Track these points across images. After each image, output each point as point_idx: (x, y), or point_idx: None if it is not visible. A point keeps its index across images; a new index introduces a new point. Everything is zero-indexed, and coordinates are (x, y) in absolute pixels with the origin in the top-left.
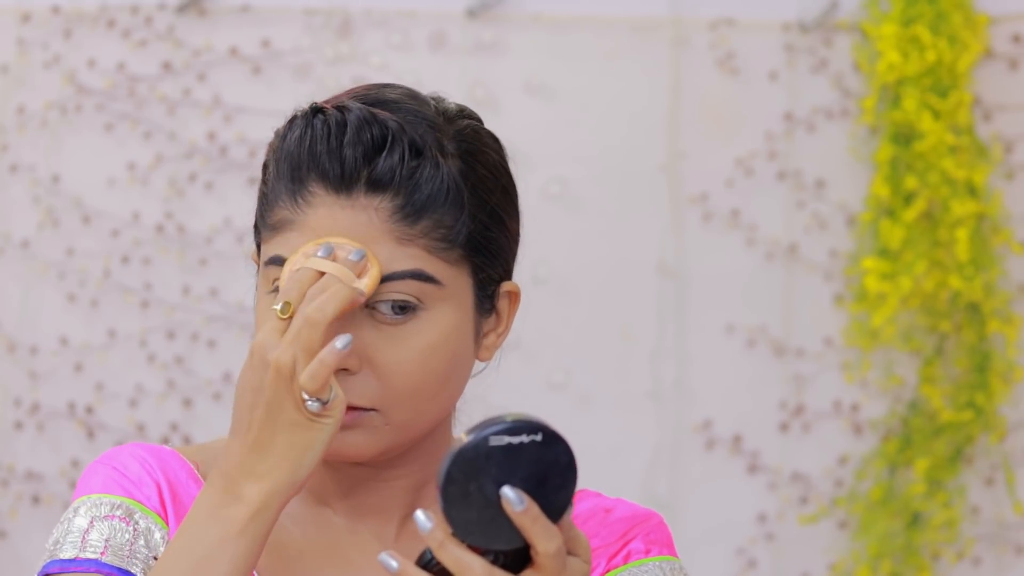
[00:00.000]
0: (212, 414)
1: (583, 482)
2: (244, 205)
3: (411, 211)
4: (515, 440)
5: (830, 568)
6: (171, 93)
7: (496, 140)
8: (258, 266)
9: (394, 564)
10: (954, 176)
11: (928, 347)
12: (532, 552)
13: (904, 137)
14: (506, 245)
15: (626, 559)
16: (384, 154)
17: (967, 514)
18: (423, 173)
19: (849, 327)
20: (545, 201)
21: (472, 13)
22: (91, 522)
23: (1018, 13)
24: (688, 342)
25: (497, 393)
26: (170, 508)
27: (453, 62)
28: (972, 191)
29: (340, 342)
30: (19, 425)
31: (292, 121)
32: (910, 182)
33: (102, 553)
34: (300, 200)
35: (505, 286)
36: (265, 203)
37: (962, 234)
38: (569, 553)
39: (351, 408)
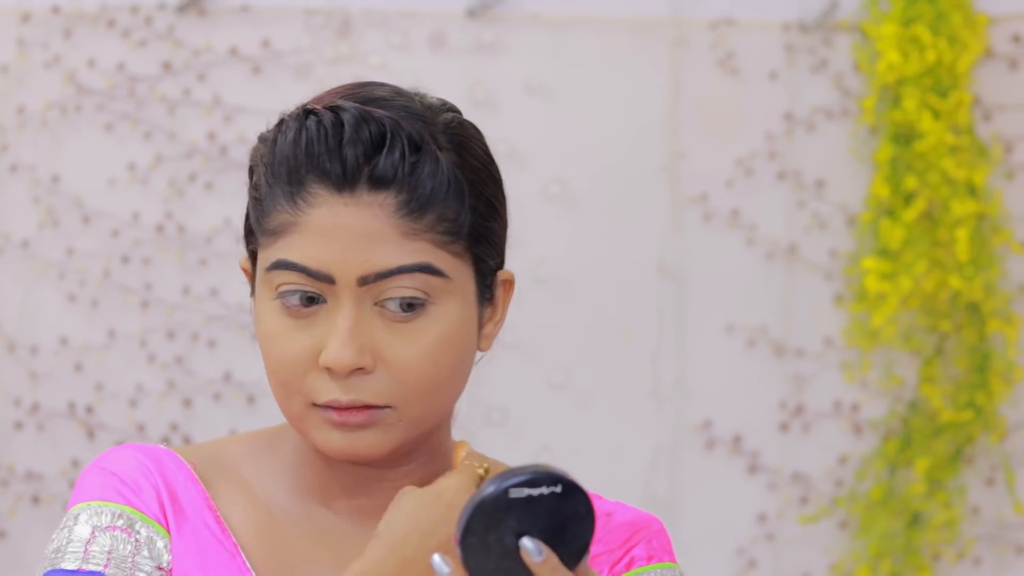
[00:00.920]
0: (212, 414)
1: (585, 482)
2: (244, 205)
3: (416, 206)
4: (535, 492)
5: (830, 568)
6: (171, 93)
7: (478, 131)
8: (251, 274)
9: (447, 569)
10: (954, 176)
11: (928, 347)
12: None
13: (904, 137)
14: (501, 233)
15: (628, 566)
16: (385, 151)
17: (967, 514)
18: (424, 168)
19: (849, 327)
20: (545, 201)
21: (472, 13)
22: (92, 532)
23: (1018, 13)
24: (688, 342)
25: (497, 393)
26: (169, 512)
27: (453, 62)
28: (972, 191)
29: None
30: (19, 425)
31: (281, 124)
32: (910, 182)
33: (105, 566)
34: (300, 202)
35: (501, 275)
36: (260, 209)
37: (962, 234)
38: None
39: (367, 407)
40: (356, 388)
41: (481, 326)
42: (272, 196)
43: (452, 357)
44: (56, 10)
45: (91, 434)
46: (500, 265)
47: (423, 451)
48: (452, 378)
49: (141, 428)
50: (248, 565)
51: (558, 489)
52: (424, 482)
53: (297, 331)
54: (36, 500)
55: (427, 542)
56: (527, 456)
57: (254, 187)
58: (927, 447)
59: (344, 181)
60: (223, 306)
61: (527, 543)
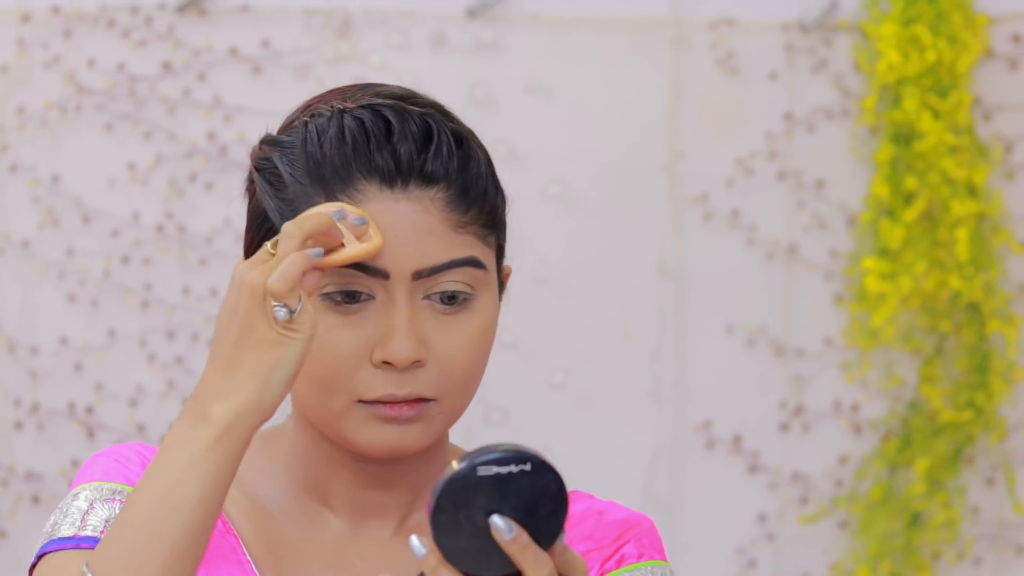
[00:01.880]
0: None
1: (584, 482)
2: (244, 205)
3: (462, 199)
4: (503, 470)
5: (830, 568)
6: (171, 93)
7: None
8: None
9: (424, 550)
10: (954, 176)
11: (928, 347)
12: None
13: (904, 137)
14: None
15: (619, 563)
16: (433, 146)
17: (967, 514)
18: (469, 161)
19: (849, 327)
20: (545, 201)
21: (472, 13)
22: (91, 504)
23: (1018, 13)
24: (688, 342)
25: (497, 393)
26: None
27: (453, 62)
28: (972, 191)
29: (312, 251)
30: (19, 425)
31: (307, 125)
32: (910, 182)
33: (101, 532)
34: (347, 199)
35: (504, 267)
36: (291, 211)
37: (962, 234)
38: None
39: (419, 400)
40: (412, 381)
41: None
42: (308, 198)
43: (488, 348)
44: (56, 10)
45: (91, 434)
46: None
47: (426, 450)
48: (483, 370)
49: (141, 428)
50: (248, 557)
51: (527, 467)
52: (422, 482)
53: (344, 328)
54: (36, 500)
55: (228, 337)
56: None
57: (276, 190)
58: (927, 447)
59: (397, 176)
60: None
61: (497, 521)
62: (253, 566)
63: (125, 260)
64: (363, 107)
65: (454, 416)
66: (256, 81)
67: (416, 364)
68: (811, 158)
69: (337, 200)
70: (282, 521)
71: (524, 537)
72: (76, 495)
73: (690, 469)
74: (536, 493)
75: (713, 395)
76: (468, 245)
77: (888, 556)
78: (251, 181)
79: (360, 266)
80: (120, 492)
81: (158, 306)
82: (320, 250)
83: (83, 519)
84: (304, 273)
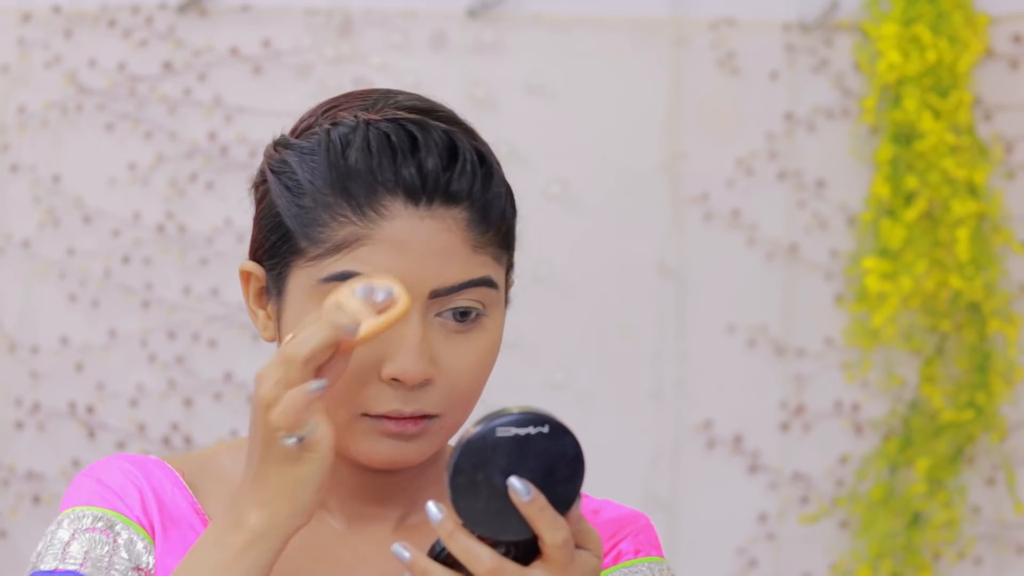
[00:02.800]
0: (213, 414)
1: (584, 482)
2: (245, 205)
3: (483, 220)
4: (522, 432)
5: (831, 568)
6: (172, 93)
7: None
8: (264, 283)
9: (406, 555)
10: (954, 176)
11: (928, 347)
12: (540, 543)
13: (904, 137)
14: None
15: (615, 560)
16: (459, 165)
17: (968, 514)
18: (490, 181)
19: (849, 327)
20: (545, 201)
21: (472, 13)
22: (73, 534)
23: (1018, 13)
24: (688, 342)
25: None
26: (155, 516)
27: (453, 62)
28: (972, 191)
29: (314, 384)
30: (19, 425)
31: (328, 134)
32: (910, 182)
33: (81, 565)
34: (372, 214)
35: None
36: (308, 220)
37: (962, 234)
38: (579, 547)
39: (423, 416)
40: (418, 399)
41: None
42: (328, 207)
43: (493, 364)
44: (57, 10)
45: (92, 434)
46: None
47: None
48: (485, 384)
49: (141, 428)
50: None
51: (545, 429)
52: (420, 486)
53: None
54: (36, 500)
55: (254, 448)
56: None
57: (293, 195)
58: (927, 447)
59: (422, 194)
60: (224, 306)
61: (514, 482)
62: None
63: (126, 260)
64: (388, 120)
65: (454, 430)
66: (257, 81)
67: (425, 383)
68: (811, 158)
69: (363, 213)
70: None
71: (541, 500)
72: (60, 523)
73: (690, 469)
74: (554, 456)
75: (713, 395)
76: (485, 265)
77: (889, 556)
78: (262, 181)
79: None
80: (100, 518)
81: (159, 306)
82: (323, 382)
83: (64, 551)
84: (309, 404)
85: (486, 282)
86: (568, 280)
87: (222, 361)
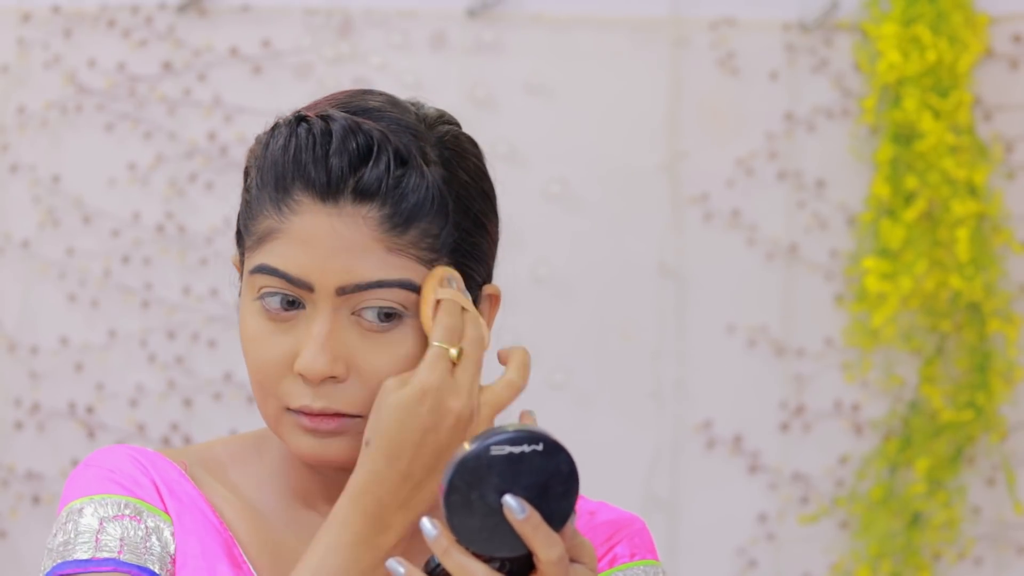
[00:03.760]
0: (212, 414)
1: (584, 482)
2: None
3: (399, 220)
4: (516, 450)
5: (830, 568)
6: (171, 93)
7: (475, 144)
8: (240, 272)
9: (401, 570)
10: (954, 176)
11: (928, 347)
12: (535, 560)
13: (904, 137)
14: (487, 249)
15: (611, 563)
16: (371, 163)
17: (968, 514)
18: (409, 182)
19: (849, 327)
20: (545, 201)
21: (472, 13)
22: (101, 523)
23: (1018, 13)
24: (688, 342)
25: None
26: (169, 501)
27: (453, 62)
28: (972, 191)
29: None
30: (19, 425)
31: (274, 129)
32: (910, 182)
33: (119, 552)
34: (285, 208)
35: (486, 289)
36: (248, 212)
37: (962, 234)
38: (574, 560)
39: (339, 415)
40: (328, 396)
41: None
42: (260, 201)
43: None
44: (56, 10)
45: (91, 434)
46: (486, 280)
47: None
48: None
49: (141, 428)
50: (244, 555)
51: (540, 447)
52: None
53: (276, 334)
54: (36, 500)
55: (420, 453)
56: None
57: (246, 190)
58: (927, 447)
59: (328, 191)
60: (223, 306)
61: (509, 500)
62: (250, 566)
63: (125, 260)
64: (320, 116)
65: None
66: (256, 81)
67: (333, 379)
68: (811, 158)
69: (278, 208)
70: (275, 524)
71: (536, 517)
72: (81, 511)
73: (690, 469)
74: (548, 474)
75: (713, 395)
76: (403, 268)
77: (888, 556)
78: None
79: (287, 277)
80: (127, 505)
81: (158, 306)
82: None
83: (97, 539)
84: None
85: (404, 284)
86: (568, 280)
87: (222, 361)
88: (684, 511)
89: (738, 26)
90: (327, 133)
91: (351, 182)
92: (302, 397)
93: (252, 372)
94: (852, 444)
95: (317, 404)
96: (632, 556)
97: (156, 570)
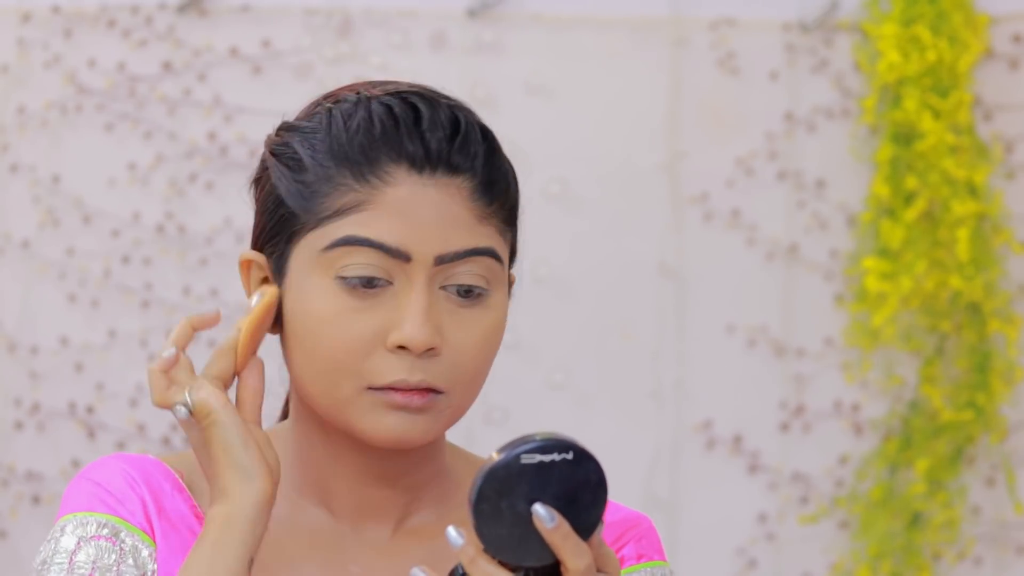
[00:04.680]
0: None
1: None
2: (245, 205)
3: (487, 191)
4: (546, 458)
5: (830, 568)
6: (171, 93)
7: None
8: (271, 265)
9: None
10: (954, 176)
11: (928, 347)
12: (562, 569)
13: (904, 137)
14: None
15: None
16: (461, 136)
17: (968, 514)
18: (492, 155)
19: (849, 327)
20: (545, 201)
21: (472, 13)
22: (78, 543)
23: (1018, 13)
24: (688, 342)
25: (497, 393)
26: (155, 521)
27: (453, 62)
28: (972, 191)
29: (165, 353)
30: (19, 425)
31: (330, 112)
32: (910, 182)
33: (89, 574)
34: (374, 179)
35: (511, 274)
36: (308, 193)
37: (962, 234)
38: (599, 571)
39: (429, 390)
40: (424, 369)
41: None
42: (330, 177)
43: (497, 346)
44: (56, 10)
45: (91, 434)
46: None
47: (423, 450)
48: (490, 368)
49: (141, 428)
50: None
51: (569, 456)
52: (419, 483)
53: (359, 312)
54: (36, 500)
55: None
56: None
57: (294, 172)
58: (927, 447)
59: (427, 162)
60: (223, 306)
61: (539, 509)
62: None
63: (125, 260)
64: (390, 94)
65: (460, 412)
66: (256, 81)
67: (431, 352)
68: (811, 158)
69: (365, 179)
70: (276, 528)
71: (566, 526)
72: (63, 529)
73: (690, 469)
74: (577, 483)
75: (713, 395)
76: (489, 237)
77: (888, 556)
78: (263, 170)
79: (383, 247)
80: (105, 525)
81: (158, 306)
82: (172, 349)
83: (71, 560)
84: (165, 373)
85: (491, 253)
86: (567, 280)
87: None
88: (684, 511)
89: (738, 26)
90: (413, 108)
91: (446, 153)
92: (397, 372)
93: (327, 353)
94: (852, 444)
95: (415, 377)
96: (639, 558)
97: None
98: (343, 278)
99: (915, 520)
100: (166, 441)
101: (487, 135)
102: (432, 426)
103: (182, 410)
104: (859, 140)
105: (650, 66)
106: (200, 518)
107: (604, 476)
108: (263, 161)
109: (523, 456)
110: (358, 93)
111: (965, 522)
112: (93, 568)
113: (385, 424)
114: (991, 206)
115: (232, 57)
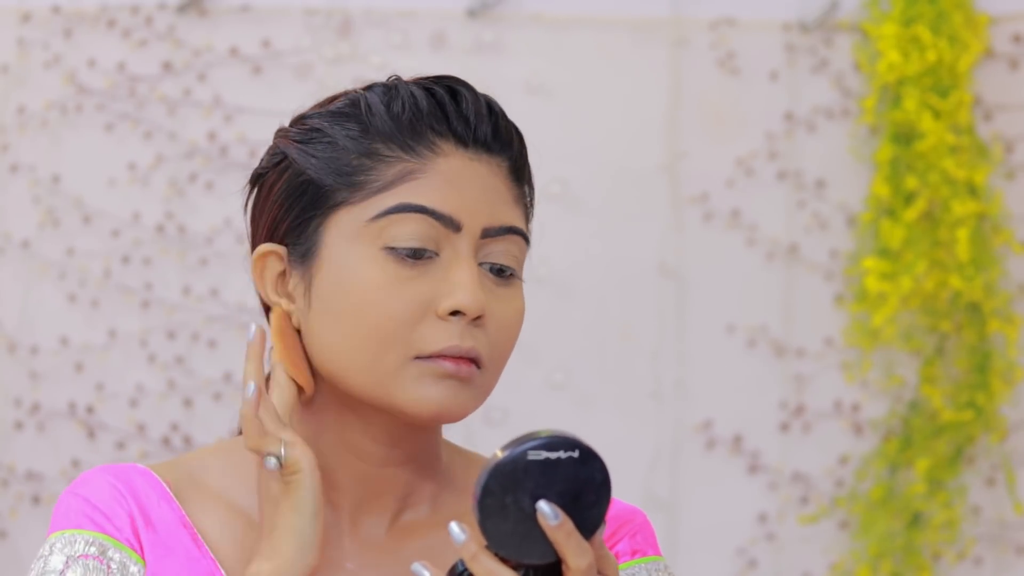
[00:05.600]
0: (212, 414)
1: None
2: (244, 203)
3: (520, 175)
4: (552, 455)
5: (830, 568)
6: (171, 93)
7: None
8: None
9: (426, 574)
10: (954, 176)
11: (928, 347)
12: (564, 568)
13: (904, 137)
14: None
15: None
16: (499, 118)
17: (968, 514)
18: (523, 143)
19: (849, 327)
20: (545, 201)
21: (472, 13)
22: (66, 562)
23: (1018, 13)
24: (688, 342)
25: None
26: (143, 533)
27: (453, 62)
28: (972, 191)
29: (248, 389)
30: (19, 425)
31: (364, 97)
32: (910, 182)
33: None
34: (424, 151)
35: None
36: (349, 170)
37: (962, 234)
38: (598, 571)
39: (474, 361)
40: (474, 336)
41: None
42: (375, 153)
43: (520, 328)
44: (56, 10)
45: (91, 434)
46: None
47: (422, 441)
48: (510, 355)
49: (141, 428)
50: None
51: (575, 454)
52: (416, 476)
53: (408, 281)
54: (36, 500)
55: None
56: None
57: (331, 153)
58: (927, 447)
59: (473, 138)
60: (223, 306)
61: (543, 506)
62: None
63: (125, 260)
64: (423, 79)
65: (487, 393)
66: (256, 81)
67: (478, 321)
68: (811, 158)
69: (414, 151)
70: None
71: (569, 524)
72: (52, 547)
73: (690, 469)
74: (581, 481)
75: (713, 395)
76: (521, 218)
77: (888, 556)
78: (274, 163)
79: (436, 214)
80: (92, 543)
81: (158, 306)
82: (252, 384)
83: None
84: (255, 411)
85: (523, 234)
86: (568, 280)
87: (222, 361)
88: (684, 511)
89: (738, 26)
90: (452, 91)
91: (489, 134)
92: (449, 338)
93: (373, 322)
94: (852, 444)
95: (466, 343)
96: (634, 553)
97: None
98: (391, 248)
99: (915, 520)
100: (166, 441)
101: (515, 125)
102: (471, 402)
103: (273, 462)
104: (859, 140)
105: (650, 66)
106: (188, 527)
107: (608, 476)
108: (273, 154)
109: (530, 452)
110: (388, 79)
111: (965, 522)
112: None
113: (434, 392)
114: (991, 206)
115: (232, 57)
